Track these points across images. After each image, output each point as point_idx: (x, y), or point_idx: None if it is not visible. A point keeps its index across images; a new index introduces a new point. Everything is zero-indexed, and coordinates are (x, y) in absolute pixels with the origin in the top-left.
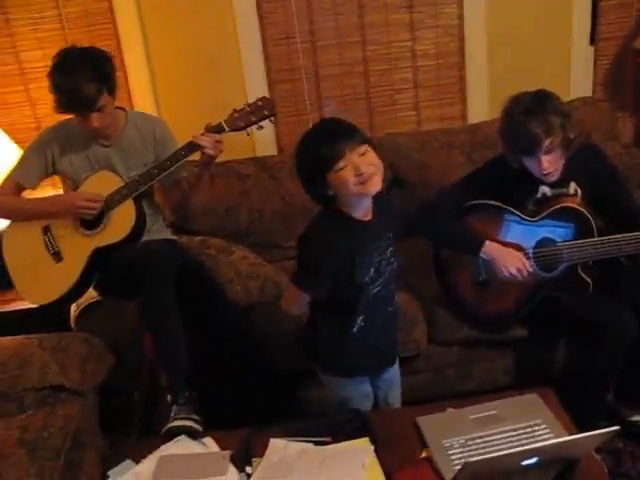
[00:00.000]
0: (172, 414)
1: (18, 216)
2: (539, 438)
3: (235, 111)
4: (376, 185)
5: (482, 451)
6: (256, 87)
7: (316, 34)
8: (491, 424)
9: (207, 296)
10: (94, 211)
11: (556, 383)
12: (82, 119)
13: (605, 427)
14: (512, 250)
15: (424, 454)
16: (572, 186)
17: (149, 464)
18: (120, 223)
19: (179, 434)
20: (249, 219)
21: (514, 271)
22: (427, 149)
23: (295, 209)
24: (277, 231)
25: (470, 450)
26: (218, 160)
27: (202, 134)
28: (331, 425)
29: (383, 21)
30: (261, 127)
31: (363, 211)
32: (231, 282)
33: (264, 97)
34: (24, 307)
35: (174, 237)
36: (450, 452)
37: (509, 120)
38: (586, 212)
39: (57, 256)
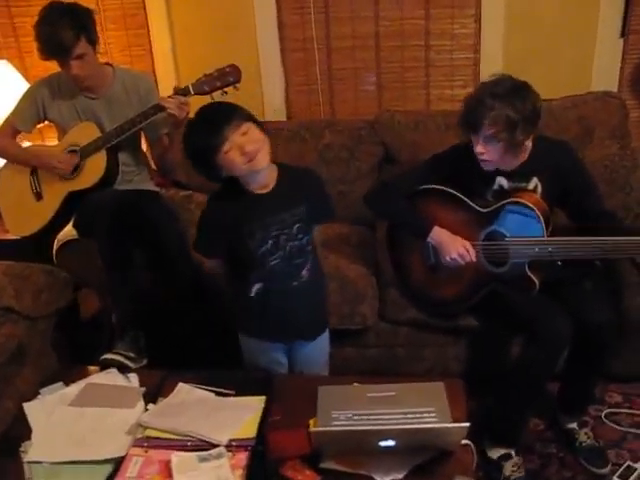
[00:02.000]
0: (113, 348)
1: (9, 160)
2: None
3: (204, 75)
4: (263, 160)
5: (361, 427)
6: (269, 54)
7: (330, 6)
8: (384, 404)
9: (172, 246)
10: (67, 170)
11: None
12: (64, 67)
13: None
14: (459, 238)
15: (311, 421)
16: (534, 181)
17: (76, 388)
18: (91, 171)
19: (111, 366)
20: None
21: (455, 255)
22: (422, 129)
23: None
24: None
25: (352, 424)
26: None
27: (169, 96)
28: (238, 380)
29: None
30: (225, 92)
31: (258, 184)
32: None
33: (232, 64)
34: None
35: (156, 189)
36: (334, 423)
37: (475, 91)
38: (537, 210)
39: (38, 195)
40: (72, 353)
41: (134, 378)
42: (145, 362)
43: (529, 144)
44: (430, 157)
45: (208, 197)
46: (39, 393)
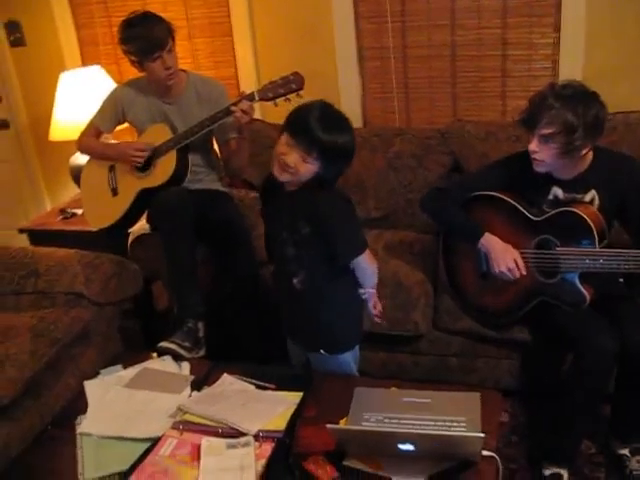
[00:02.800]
0: (172, 337)
1: (92, 155)
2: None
3: (269, 82)
4: (280, 174)
5: (377, 429)
6: (346, 61)
7: (407, 14)
8: (417, 410)
9: (235, 244)
10: (141, 159)
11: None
12: (155, 63)
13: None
14: (509, 247)
15: (342, 421)
16: (591, 194)
17: (133, 371)
18: (162, 170)
19: (167, 354)
20: None
21: (504, 269)
22: (492, 140)
23: (350, 182)
24: None
25: (381, 426)
26: None
27: (237, 101)
28: (280, 375)
29: (475, 6)
30: (288, 99)
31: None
32: (259, 238)
33: (296, 72)
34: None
35: (225, 189)
36: (363, 424)
37: (542, 90)
38: (589, 220)
39: (114, 191)
40: (145, 341)
41: (186, 366)
42: (202, 353)
43: (589, 155)
44: (489, 164)
45: None
46: (99, 373)
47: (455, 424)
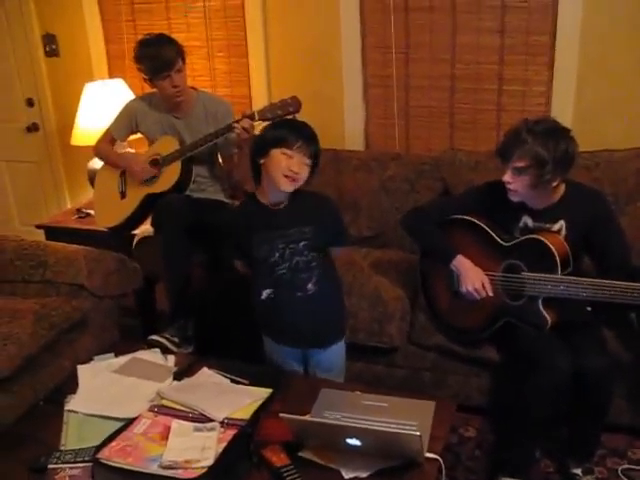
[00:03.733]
0: (163, 332)
1: (104, 161)
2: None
3: (270, 104)
4: (290, 187)
5: (326, 421)
6: (352, 87)
7: (411, 47)
8: (374, 412)
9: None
10: (141, 178)
11: None
12: (165, 82)
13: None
14: (479, 270)
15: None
16: (559, 224)
17: (123, 360)
18: (167, 178)
19: (156, 346)
20: None
21: (471, 289)
22: (481, 168)
23: (345, 201)
24: None
25: (328, 419)
26: None
27: (239, 119)
28: (255, 372)
29: (474, 43)
30: None
31: (273, 201)
32: None
33: (294, 96)
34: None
35: (226, 200)
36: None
37: (519, 125)
38: (553, 249)
39: (123, 194)
40: (145, 337)
41: (171, 359)
42: (190, 349)
43: (560, 187)
44: (467, 189)
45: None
46: (92, 359)
47: (407, 427)
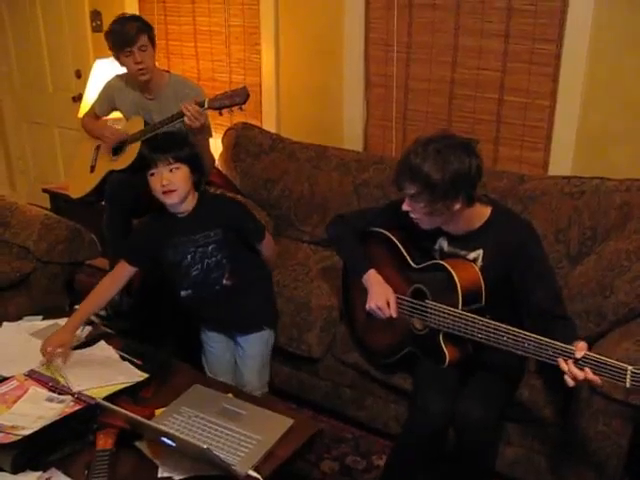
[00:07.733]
0: None
1: (86, 132)
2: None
3: (221, 93)
4: (172, 199)
5: (188, 429)
6: (353, 83)
7: (413, 46)
8: (227, 418)
9: None
10: (110, 142)
11: None
12: (130, 58)
13: None
14: (387, 288)
15: (161, 410)
16: (477, 252)
17: (46, 324)
18: (127, 156)
19: None
20: (280, 194)
21: (374, 306)
22: None
23: (315, 200)
24: (297, 213)
25: (185, 423)
26: (303, 139)
27: (188, 104)
28: (150, 355)
29: (477, 46)
30: (231, 111)
31: (175, 211)
32: None
33: (244, 87)
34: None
35: None
36: (174, 415)
37: (409, 146)
38: (457, 278)
39: (92, 168)
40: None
41: (87, 329)
42: (126, 326)
43: (484, 212)
44: (390, 202)
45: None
46: (21, 319)
47: (250, 441)
